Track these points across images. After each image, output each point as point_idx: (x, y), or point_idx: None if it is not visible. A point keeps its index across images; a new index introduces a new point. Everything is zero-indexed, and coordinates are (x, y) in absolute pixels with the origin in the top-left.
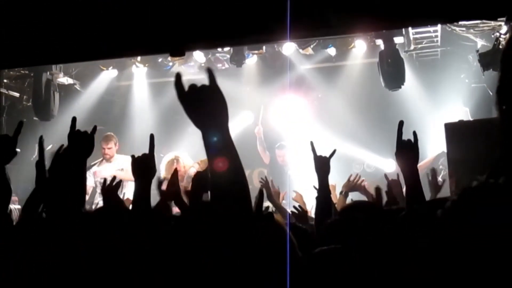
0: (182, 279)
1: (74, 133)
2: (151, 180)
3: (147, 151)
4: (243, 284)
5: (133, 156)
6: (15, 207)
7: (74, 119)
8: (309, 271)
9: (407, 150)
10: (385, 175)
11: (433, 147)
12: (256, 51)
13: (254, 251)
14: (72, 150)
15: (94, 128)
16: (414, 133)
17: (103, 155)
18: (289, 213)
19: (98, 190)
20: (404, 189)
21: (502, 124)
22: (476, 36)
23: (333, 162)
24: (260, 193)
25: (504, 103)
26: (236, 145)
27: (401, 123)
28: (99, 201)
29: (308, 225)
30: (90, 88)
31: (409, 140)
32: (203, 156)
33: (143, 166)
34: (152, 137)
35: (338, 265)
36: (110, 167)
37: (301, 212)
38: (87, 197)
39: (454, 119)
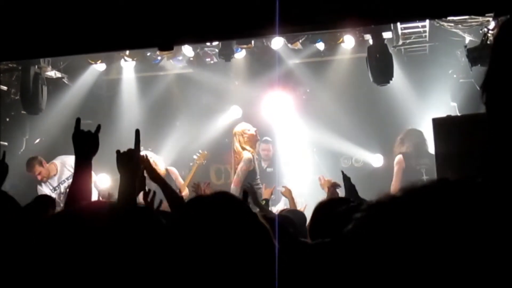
0: (172, 278)
1: (78, 133)
2: (135, 176)
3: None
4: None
5: (118, 151)
6: None
7: (78, 120)
8: (295, 268)
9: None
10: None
11: None
12: (244, 46)
13: (237, 251)
14: (77, 150)
15: (98, 127)
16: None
17: (40, 179)
18: (277, 216)
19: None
20: None
21: (488, 118)
22: (464, 31)
23: (321, 158)
24: (244, 192)
25: (488, 98)
26: (222, 139)
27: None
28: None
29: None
30: (79, 82)
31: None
32: (191, 149)
33: (128, 162)
34: (137, 132)
35: (330, 259)
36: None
37: (252, 188)
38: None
39: (442, 114)
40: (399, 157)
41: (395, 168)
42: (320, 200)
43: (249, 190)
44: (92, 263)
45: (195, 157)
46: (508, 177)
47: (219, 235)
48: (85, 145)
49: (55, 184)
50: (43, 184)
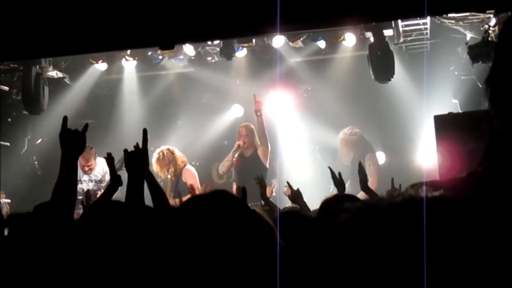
0: (177, 275)
1: (65, 132)
2: (144, 175)
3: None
4: (228, 280)
5: (125, 150)
6: (4, 201)
7: (65, 119)
8: (297, 263)
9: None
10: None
11: (423, 139)
12: (246, 44)
13: (239, 248)
14: (64, 148)
15: (86, 126)
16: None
17: (82, 169)
18: (279, 209)
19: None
20: None
21: (491, 113)
22: (465, 28)
23: (323, 156)
24: (243, 189)
25: (492, 93)
26: (224, 138)
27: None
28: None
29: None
30: (80, 82)
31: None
32: (193, 148)
33: (136, 161)
34: (145, 131)
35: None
36: (88, 178)
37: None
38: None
39: (444, 111)
40: (372, 155)
41: (373, 167)
42: (327, 197)
43: (259, 183)
44: (102, 262)
45: None
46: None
47: (217, 234)
48: (72, 143)
49: (96, 178)
50: (85, 175)
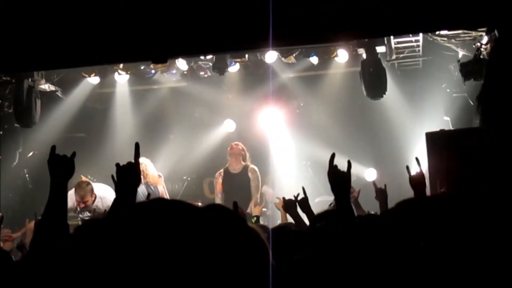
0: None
1: (54, 158)
2: (136, 189)
3: (130, 159)
4: None
5: (117, 165)
6: None
7: (53, 147)
8: (286, 279)
9: (339, 179)
10: (374, 183)
11: (414, 156)
12: (238, 59)
13: (233, 262)
14: (52, 174)
15: (73, 154)
16: (348, 162)
17: (78, 205)
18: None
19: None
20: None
21: (482, 128)
22: (457, 46)
23: (315, 171)
24: (234, 203)
25: (483, 110)
26: (215, 152)
27: (332, 155)
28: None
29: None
30: (72, 95)
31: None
32: (185, 162)
33: (128, 175)
34: (137, 145)
35: (314, 272)
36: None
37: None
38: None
39: (435, 128)
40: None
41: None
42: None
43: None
44: (93, 271)
45: None
46: (504, 183)
47: (211, 247)
48: (60, 169)
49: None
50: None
